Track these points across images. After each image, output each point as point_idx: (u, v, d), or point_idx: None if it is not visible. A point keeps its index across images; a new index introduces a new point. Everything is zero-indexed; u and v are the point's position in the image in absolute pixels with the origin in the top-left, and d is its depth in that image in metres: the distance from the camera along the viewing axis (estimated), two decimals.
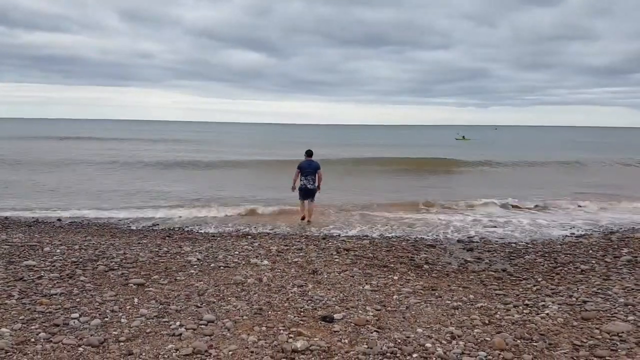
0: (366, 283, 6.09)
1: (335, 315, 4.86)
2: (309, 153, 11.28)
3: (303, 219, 10.94)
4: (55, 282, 5.84)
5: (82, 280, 5.92)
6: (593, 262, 7.42)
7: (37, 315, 4.72)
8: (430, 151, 37.59)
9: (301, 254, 7.65)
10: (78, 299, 5.24)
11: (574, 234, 10.04)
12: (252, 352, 4.03)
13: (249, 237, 9.25)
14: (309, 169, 10.97)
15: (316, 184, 11.00)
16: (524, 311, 5.16)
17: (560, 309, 5.19)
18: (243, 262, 6.99)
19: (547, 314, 5.05)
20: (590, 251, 8.21)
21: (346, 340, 4.30)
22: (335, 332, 4.49)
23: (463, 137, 63.51)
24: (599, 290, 5.86)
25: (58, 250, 7.47)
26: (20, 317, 4.66)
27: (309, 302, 5.31)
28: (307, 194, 10.95)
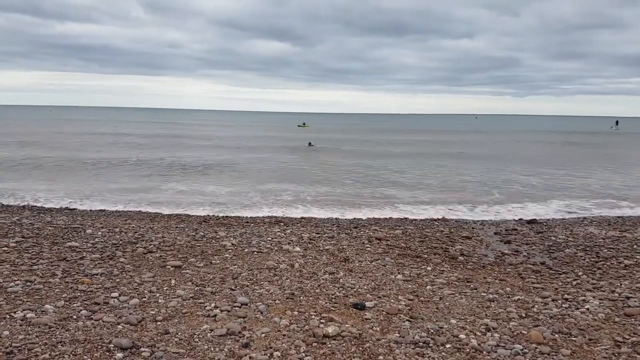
0: (398, 273, 6.03)
1: (366, 303, 4.84)
2: (310, 140, 34.98)
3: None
4: (96, 262, 6.06)
5: (121, 262, 6.12)
6: (638, 257, 7.10)
7: (79, 294, 4.91)
8: None
9: (333, 241, 7.65)
10: (118, 279, 5.42)
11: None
12: (284, 335, 4.07)
13: (282, 224, 9.33)
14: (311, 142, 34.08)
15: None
16: (563, 305, 4.99)
17: (601, 304, 5.00)
18: (275, 248, 7.06)
19: (588, 309, 4.88)
20: (635, 246, 7.86)
21: (378, 328, 4.28)
22: (366, 319, 4.48)
23: (304, 124, 72.40)
24: None
25: (99, 233, 7.75)
26: (63, 295, 4.86)
27: (340, 289, 5.31)
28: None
